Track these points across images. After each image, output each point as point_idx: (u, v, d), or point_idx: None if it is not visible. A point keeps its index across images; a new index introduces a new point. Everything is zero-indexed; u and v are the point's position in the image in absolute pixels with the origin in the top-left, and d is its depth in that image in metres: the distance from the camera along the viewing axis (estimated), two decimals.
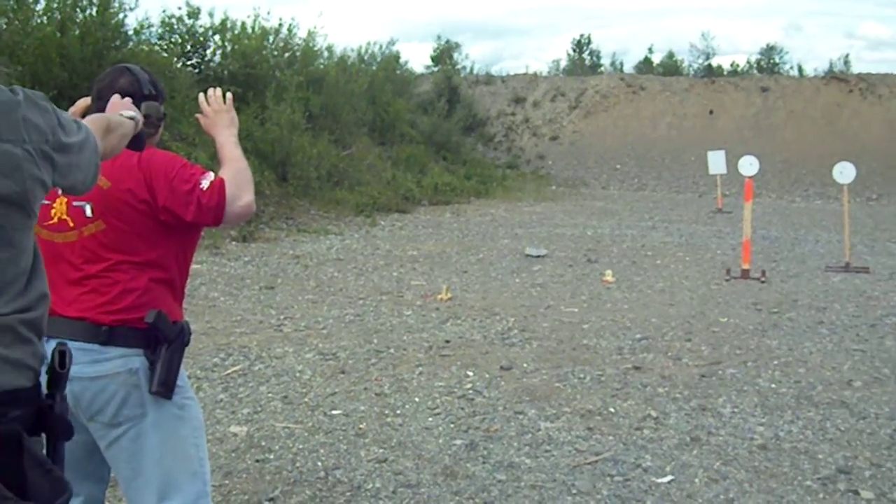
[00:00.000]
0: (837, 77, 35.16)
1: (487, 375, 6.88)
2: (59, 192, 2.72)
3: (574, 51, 58.25)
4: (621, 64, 53.64)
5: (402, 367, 7.10)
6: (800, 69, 47.83)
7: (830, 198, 24.34)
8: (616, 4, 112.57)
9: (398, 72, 29.32)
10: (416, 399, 6.30)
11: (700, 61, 51.02)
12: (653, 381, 6.78)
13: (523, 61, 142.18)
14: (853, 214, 14.72)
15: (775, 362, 7.40)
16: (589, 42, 57.91)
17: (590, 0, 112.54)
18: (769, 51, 53.80)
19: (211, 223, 2.93)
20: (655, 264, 12.70)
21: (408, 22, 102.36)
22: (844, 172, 12.52)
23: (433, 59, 42.30)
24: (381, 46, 28.56)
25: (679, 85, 34.43)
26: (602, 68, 51.23)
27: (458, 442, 5.45)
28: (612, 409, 6.11)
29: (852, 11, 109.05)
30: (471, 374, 6.93)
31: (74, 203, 2.84)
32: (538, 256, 12.96)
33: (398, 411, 6.03)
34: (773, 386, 6.74)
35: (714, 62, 50.47)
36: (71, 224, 2.85)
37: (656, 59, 53.96)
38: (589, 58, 57.23)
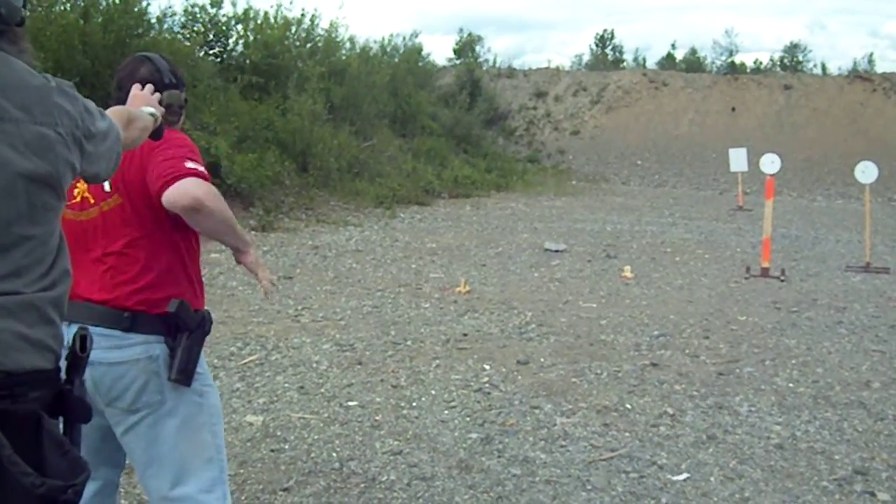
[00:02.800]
0: (861, 76, 34.96)
1: (504, 369, 6.87)
2: None
3: (597, 45, 57.98)
4: (644, 59, 53.31)
5: (419, 360, 7.10)
6: (823, 68, 47.46)
7: (852, 197, 24.20)
8: (640, 0, 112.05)
9: (420, 64, 29.28)
10: (433, 392, 6.30)
11: (723, 58, 50.74)
12: (670, 379, 6.76)
13: (545, 55, 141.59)
14: (874, 214, 14.64)
15: (793, 362, 7.36)
16: (612, 37, 57.62)
17: None
18: (793, 49, 53.44)
19: (158, 187, 2.77)
20: (675, 261, 12.66)
21: (430, 14, 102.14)
22: (867, 172, 12.44)
23: (455, 51, 42.28)
24: (403, 38, 28.56)
25: (702, 81, 34.28)
26: (624, 63, 50.96)
27: (474, 435, 5.44)
28: (628, 406, 6.10)
29: (877, 10, 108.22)
30: (487, 367, 6.93)
31: None
32: (557, 251, 12.94)
33: (414, 404, 6.04)
34: (791, 385, 6.70)
35: (737, 59, 50.14)
36: (92, 200, 2.87)
37: (679, 55, 53.63)
38: (611, 53, 56.99)
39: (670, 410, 6.02)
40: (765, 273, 11.41)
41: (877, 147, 27.65)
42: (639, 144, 30.72)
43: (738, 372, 7.02)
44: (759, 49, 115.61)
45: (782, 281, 11.14)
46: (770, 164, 12.22)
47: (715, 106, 32.50)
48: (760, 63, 51.95)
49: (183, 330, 2.85)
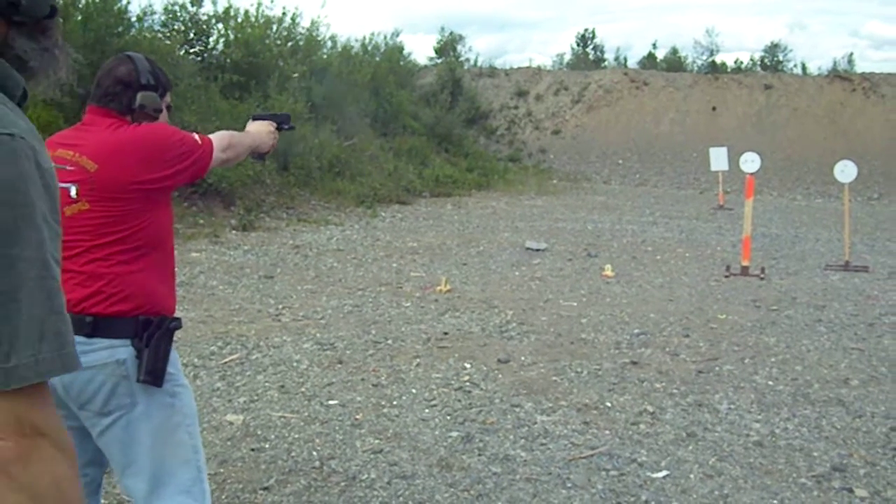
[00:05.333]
0: (841, 76, 35.07)
1: (485, 368, 6.88)
2: None
3: (578, 45, 58.04)
4: (625, 59, 53.39)
5: (400, 359, 7.10)
6: (803, 67, 47.63)
7: (832, 196, 24.32)
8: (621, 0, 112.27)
9: (402, 63, 29.26)
10: (413, 390, 6.31)
11: (704, 58, 50.90)
12: (650, 377, 6.78)
13: (527, 54, 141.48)
14: (854, 213, 14.72)
15: (773, 359, 7.40)
16: (593, 36, 57.66)
17: None
18: (773, 48, 53.64)
19: (198, 168, 3.03)
20: (655, 260, 12.69)
21: (412, 13, 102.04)
22: (846, 171, 12.50)
23: (437, 51, 42.23)
24: (384, 37, 28.54)
25: (682, 81, 34.34)
26: (606, 63, 51.06)
27: (454, 434, 5.45)
28: (608, 404, 6.12)
29: (857, 10, 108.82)
30: (468, 366, 6.94)
31: (60, 184, 2.83)
32: (538, 250, 12.96)
33: (395, 402, 6.04)
34: (770, 383, 6.74)
35: (718, 59, 50.22)
36: None
37: (660, 54, 53.77)
38: (593, 52, 57.07)
39: (650, 408, 6.04)
40: (745, 272, 11.45)
41: (856, 146, 27.77)
42: (620, 143, 30.78)
43: (717, 370, 7.05)
44: (740, 49, 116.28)
45: (762, 279, 11.19)
46: (750, 163, 12.29)
47: (696, 105, 32.57)
48: (741, 63, 52.14)
49: (149, 331, 2.84)
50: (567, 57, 55.49)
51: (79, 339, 2.72)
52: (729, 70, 45.80)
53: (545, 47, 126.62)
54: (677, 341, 7.94)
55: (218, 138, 3.13)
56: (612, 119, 32.19)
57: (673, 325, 8.54)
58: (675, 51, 53.47)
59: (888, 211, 22.56)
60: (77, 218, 2.81)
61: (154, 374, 2.82)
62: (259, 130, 3.52)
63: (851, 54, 75.28)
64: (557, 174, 27.85)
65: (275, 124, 3.62)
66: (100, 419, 2.84)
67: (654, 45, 78.24)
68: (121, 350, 2.82)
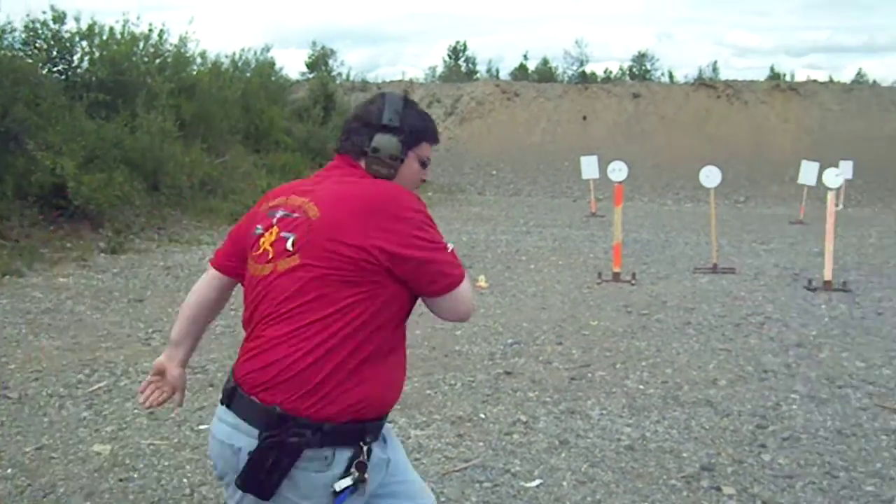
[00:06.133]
0: (706, 83, 36.13)
1: None
2: (275, 220, 2.51)
3: (450, 57, 58.67)
4: (497, 70, 54.26)
5: None
6: (670, 76, 49.08)
7: (700, 201, 24.91)
8: (493, 12, 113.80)
9: (273, 78, 28.97)
10: None
11: (574, 68, 51.90)
12: (523, 386, 6.84)
13: (400, 68, 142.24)
14: (721, 217, 15.11)
15: (643, 363, 7.54)
16: (465, 49, 58.48)
17: (467, 7, 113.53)
18: (641, 58, 55.13)
19: (432, 289, 2.48)
20: (529, 269, 12.82)
21: (283, 28, 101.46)
22: (710, 176, 12.83)
23: (308, 65, 42.13)
24: (255, 53, 28.18)
25: (553, 91, 34.89)
26: (478, 75, 51.63)
27: None
28: (482, 415, 6.15)
29: (721, 20, 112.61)
30: None
31: (283, 233, 2.47)
32: None
33: None
34: (641, 387, 6.87)
35: (588, 69, 51.52)
36: (270, 255, 2.47)
37: (531, 65, 54.69)
38: (465, 64, 57.69)
39: (523, 418, 6.09)
40: (616, 278, 11.65)
41: (722, 152, 28.59)
42: (493, 154, 31.06)
43: (590, 376, 7.15)
44: (609, 59, 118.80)
45: (633, 285, 11.40)
46: (617, 171, 12.49)
47: (567, 115, 33.11)
48: (610, 72, 53.43)
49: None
50: (439, 69, 56.02)
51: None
52: (599, 79, 46.81)
53: (418, 60, 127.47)
54: (550, 349, 8.03)
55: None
56: (485, 130, 32.50)
57: (546, 334, 8.64)
58: (545, 61, 54.51)
59: (754, 213, 23.27)
60: (288, 275, 2.41)
61: (250, 482, 2.38)
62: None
63: (716, 62, 77.57)
64: (432, 186, 27.90)
65: None
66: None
67: (526, 57, 79.67)
68: (241, 437, 2.43)
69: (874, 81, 44.13)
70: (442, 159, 30.81)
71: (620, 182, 12.27)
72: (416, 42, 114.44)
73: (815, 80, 36.74)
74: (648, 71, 54.06)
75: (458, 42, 58.63)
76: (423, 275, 2.43)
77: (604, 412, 6.23)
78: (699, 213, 22.24)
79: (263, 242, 2.51)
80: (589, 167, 21.62)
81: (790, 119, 32.06)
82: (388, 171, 2.57)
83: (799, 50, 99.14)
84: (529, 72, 52.39)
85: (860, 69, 70.12)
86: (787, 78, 42.84)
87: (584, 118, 32.91)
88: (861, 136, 30.11)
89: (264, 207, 2.63)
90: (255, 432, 2.36)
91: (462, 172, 30.05)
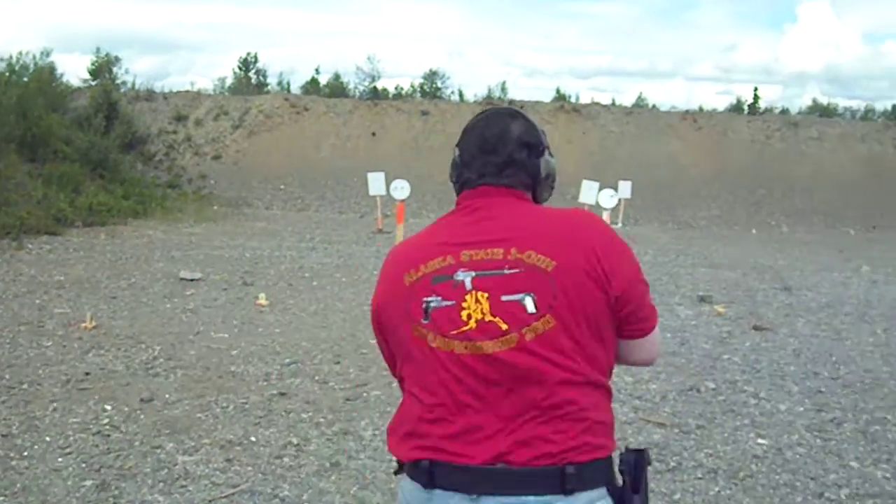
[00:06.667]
0: (493, 103, 36.94)
1: (126, 409, 6.60)
2: (469, 283, 2.12)
3: (241, 69, 57.79)
4: (288, 84, 53.73)
5: (35, 404, 6.67)
6: (461, 94, 49.85)
7: None
8: (287, 23, 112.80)
9: (53, 85, 27.90)
10: (48, 438, 5.94)
11: (366, 83, 52.06)
12: (297, 407, 6.76)
13: (191, 77, 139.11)
14: None
15: None
16: (256, 60, 57.62)
17: (261, 17, 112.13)
18: (432, 75, 55.72)
19: (631, 332, 2.24)
20: (312, 286, 12.72)
21: (66, 32, 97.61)
22: None
23: (91, 72, 40.60)
24: (34, 57, 27.10)
25: (343, 107, 34.89)
26: (269, 88, 51.10)
27: (89, 483, 5.18)
28: (253, 439, 6.03)
29: (510, 41, 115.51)
30: (109, 408, 6.63)
31: (504, 297, 2.10)
32: (193, 280, 12.65)
33: (25, 453, 5.65)
34: None
35: (380, 84, 51.66)
36: (504, 326, 2.08)
37: (323, 79, 54.51)
38: (255, 76, 56.96)
39: (295, 440, 6.01)
40: None
41: None
42: (282, 169, 30.75)
43: (365, 396, 7.14)
44: (401, 75, 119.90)
45: None
46: (400, 189, 12.64)
47: (356, 130, 33.17)
48: (402, 89, 53.80)
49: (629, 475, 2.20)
50: (229, 81, 55.13)
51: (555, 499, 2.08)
52: (390, 96, 47.10)
53: (209, 70, 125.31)
54: (328, 369, 7.98)
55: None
56: (274, 144, 32.15)
57: (324, 353, 8.58)
58: (337, 76, 54.44)
59: None
60: (542, 340, 2.08)
61: None
62: None
63: (504, 82, 79.25)
64: (218, 200, 27.42)
65: None
66: None
67: (318, 71, 79.45)
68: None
69: (654, 105, 46.22)
70: (229, 173, 30.34)
71: (403, 200, 12.38)
72: (208, 51, 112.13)
73: (598, 103, 38.23)
74: (439, 88, 54.82)
75: (248, 53, 57.56)
76: (643, 308, 2.23)
77: (377, 433, 6.21)
78: None
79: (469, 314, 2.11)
80: (376, 183, 21.72)
81: (574, 140, 33.11)
82: (550, 194, 2.38)
83: (584, 72, 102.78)
84: (321, 86, 52.25)
85: (641, 93, 73.28)
86: (573, 99, 44.28)
87: (374, 134, 33.06)
88: (640, 158, 31.42)
89: (413, 279, 2.21)
90: None
91: (249, 186, 29.62)
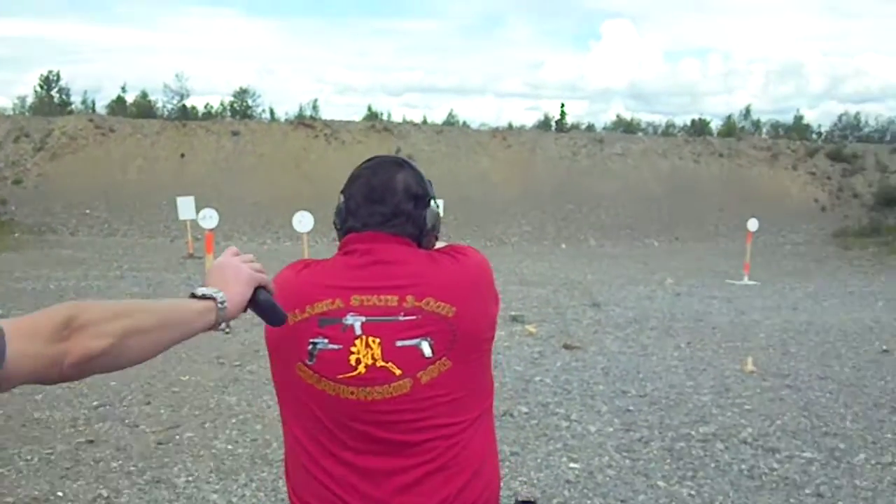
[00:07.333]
0: (305, 122, 36.86)
1: None
2: (358, 328, 2.07)
3: (42, 87, 55.83)
4: (93, 103, 52.32)
5: None
6: (272, 113, 49.62)
7: (298, 240, 25.26)
8: (92, 39, 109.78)
9: None
10: None
11: (175, 102, 51.08)
12: (107, 455, 6.55)
13: None
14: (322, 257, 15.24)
15: (233, 420, 7.47)
16: (58, 79, 55.85)
17: (65, 33, 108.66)
18: (242, 94, 55.20)
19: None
20: None
21: None
22: (303, 222, 13.06)
23: None
24: None
25: (150, 128, 34.08)
26: (73, 107, 49.53)
27: None
28: (60, 494, 5.81)
29: (321, 58, 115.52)
30: None
31: (398, 342, 2.07)
32: None
33: None
34: (230, 447, 6.79)
35: (189, 103, 50.85)
36: (397, 371, 2.07)
37: (130, 98, 53.24)
38: (58, 95, 55.14)
39: (105, 493, 5.82)
40: (214, 326, 11.47)
41: (322, 191, 29.08)
42: (87, 192, 29.77)
43: (178, 438, 6.98)
44: (211, 93, 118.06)
45: (227, 333, 11.28)
46: (208, 219, 12.45)
47: (164, 152, 32.44)
48: (212, 107, 53.14)
49: None
50: (30, 100, 53.20)
51: None
52: (200, 115, 46.36)
53: (10, 88, 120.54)
54: (138, 410, 7.77)
55: None
56: (79, 167, 31.11)
57: (134, 393, 8.35)
58: (144, 95, 53.36)
59: None
60: (435, 385, 2.08)
61: None
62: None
63: (316, 100, 79.11)
64: (19, 227, 26.35)
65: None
66: None
67: (124, 89, 77.35)
68: None
69: (464, 122, 47.04)
70: (31, 198, 29.19)
71: (211, 230, 12.18)
72: (6, 69, 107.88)
73: (409, 121, 38.60)
74: (250, 107, 54.31)
75: (50, 71, 55.73)
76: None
77: (191, 479, 6.09)
78: (298, 253, 22.55)
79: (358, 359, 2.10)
80: (185, 208, 21.31)
81: None
82: (434, 245, 2.34)
83: (396, 89, 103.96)
84: (128, 104, 50.98)
85: (452, 109, 74.44)
86: (384, 116, 44.62)
87: (183, 156, 32.41)
88: (451, 176, 31.84)
89: (298, 320, 2.16)
90: None
91: (52, 212, 28.56)
